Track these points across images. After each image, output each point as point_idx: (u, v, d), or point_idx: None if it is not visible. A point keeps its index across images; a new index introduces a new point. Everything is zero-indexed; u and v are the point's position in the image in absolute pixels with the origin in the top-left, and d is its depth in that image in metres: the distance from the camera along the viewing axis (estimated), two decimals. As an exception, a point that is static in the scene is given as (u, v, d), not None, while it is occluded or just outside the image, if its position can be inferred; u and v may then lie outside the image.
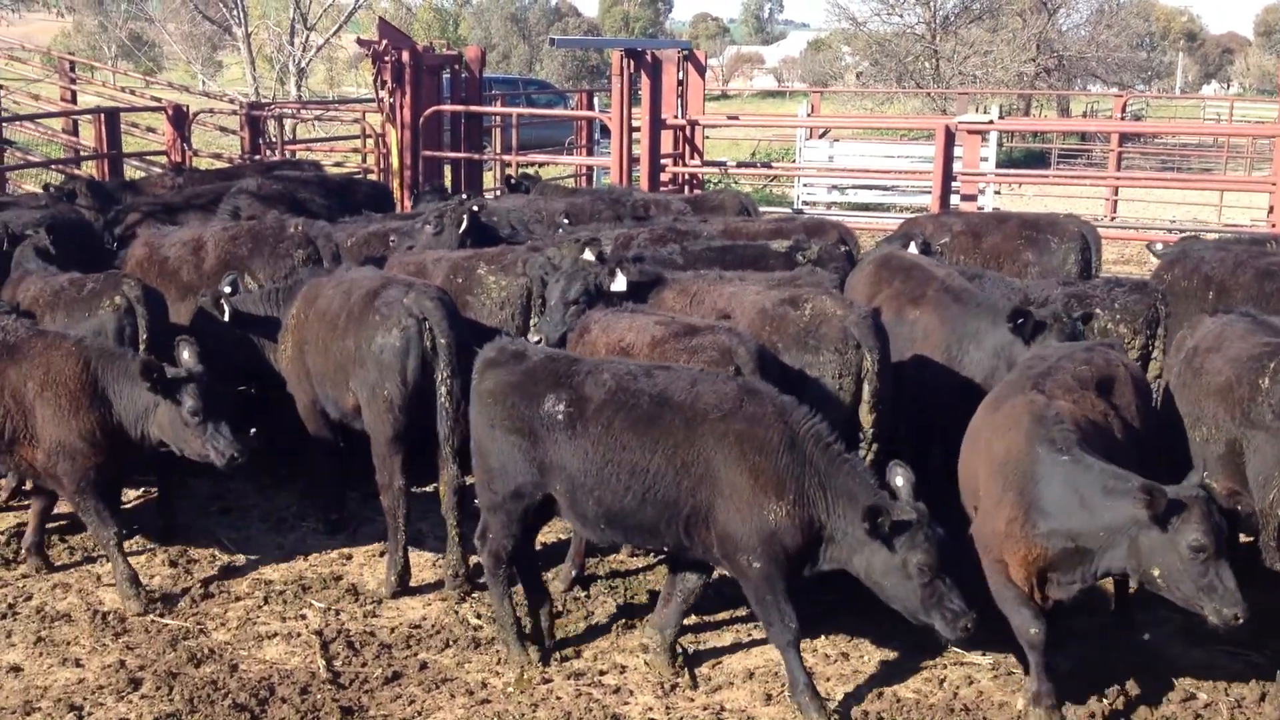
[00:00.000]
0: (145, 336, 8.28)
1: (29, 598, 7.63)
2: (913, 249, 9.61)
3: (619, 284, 8.32)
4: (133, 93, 21.55)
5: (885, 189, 24.43)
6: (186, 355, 7.52)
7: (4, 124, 17.69)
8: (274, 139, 18.65)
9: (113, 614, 7.40)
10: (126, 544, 7.79)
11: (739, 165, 22.21)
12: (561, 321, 8.26)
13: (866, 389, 7.40)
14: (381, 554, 8.29)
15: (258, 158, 17.36)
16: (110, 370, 7.51)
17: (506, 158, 19.06)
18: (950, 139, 16.62)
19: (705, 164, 20.39)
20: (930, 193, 18.29)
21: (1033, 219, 11.20)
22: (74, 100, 21.24)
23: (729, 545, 6.23)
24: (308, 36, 27.71)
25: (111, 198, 12.47)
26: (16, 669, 6.78)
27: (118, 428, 7.50)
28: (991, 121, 19.53)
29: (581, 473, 6.39)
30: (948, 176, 16.55)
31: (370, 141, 18.17)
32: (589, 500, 6.43)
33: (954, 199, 17.25)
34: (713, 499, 6.22)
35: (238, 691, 6.51)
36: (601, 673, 6.81)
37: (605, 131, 23.42)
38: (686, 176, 19.33)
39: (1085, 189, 24.53)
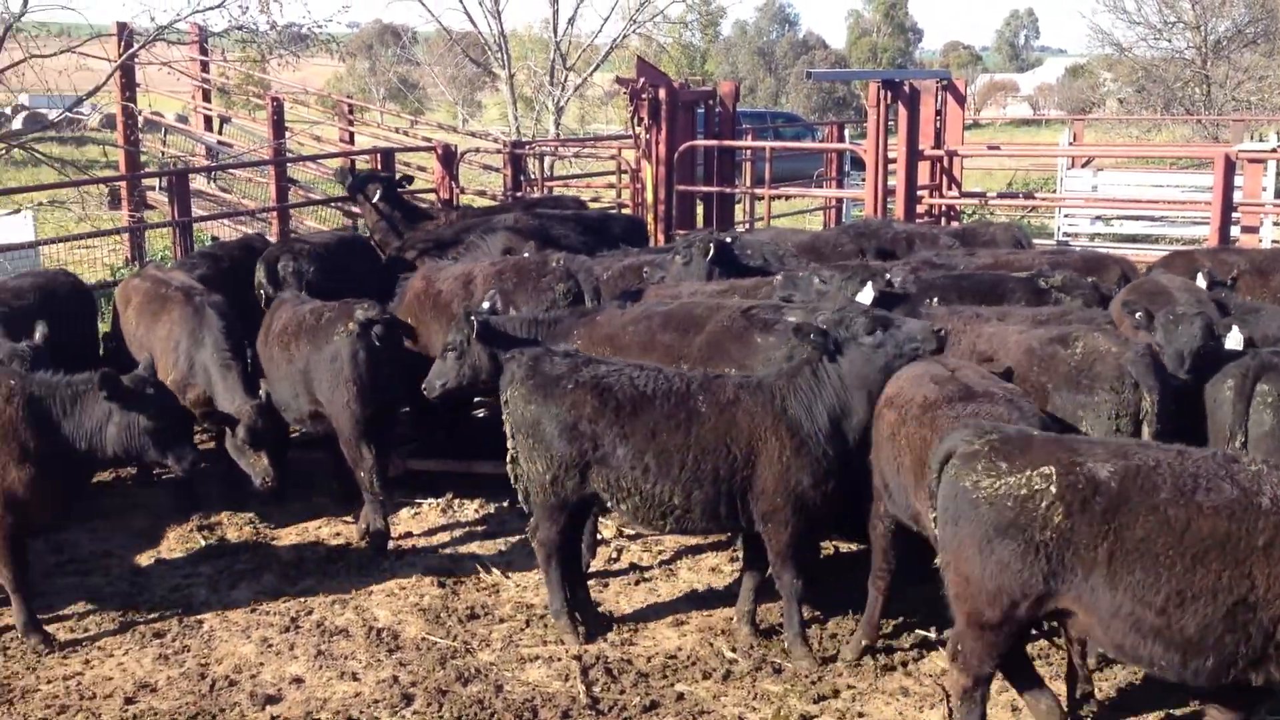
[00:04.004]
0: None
1: (310, 612, 8.03)
2: (1200, 281, 9.23)
3: (866, 294, 8.22)
4: (405, 133, 22.68)
5: (1153, 220, 23.29)
6: None
7: (289, 164, 18.86)
8: (535, 175, 19.23)
9: (386, 630, 7.72)
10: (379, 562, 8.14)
11: (999, 196, 21.60)
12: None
13: (1145, 431, 6.97)
14: (637, 583, 8.42)
15: (519, 194, 17.95)
16: None
17: (758, 191, 19.09)
18: (1230, 168, 15.78)
19: (963, 195, 19.95)
20: (1204, 224, 17.40)
21: None
22: (351, 140, 22.49)
23: None
24: (566, 76, 28.48)
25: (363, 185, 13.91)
26: (299, 680, 7.14)
27: None
28: (1275, 149, 18.39)
29: None
30: (1228, 207, 15.73)
31: (625, 177, 18.55)
32: None
33: (1233, 230, 16.36)
34: None
35: (503, 712, 6.69)
36: (860, 715, 6.69)
37: (855, 163, 23.27)
38: (943, 208, 18.94)
39: (1375, 220, 22.84)
